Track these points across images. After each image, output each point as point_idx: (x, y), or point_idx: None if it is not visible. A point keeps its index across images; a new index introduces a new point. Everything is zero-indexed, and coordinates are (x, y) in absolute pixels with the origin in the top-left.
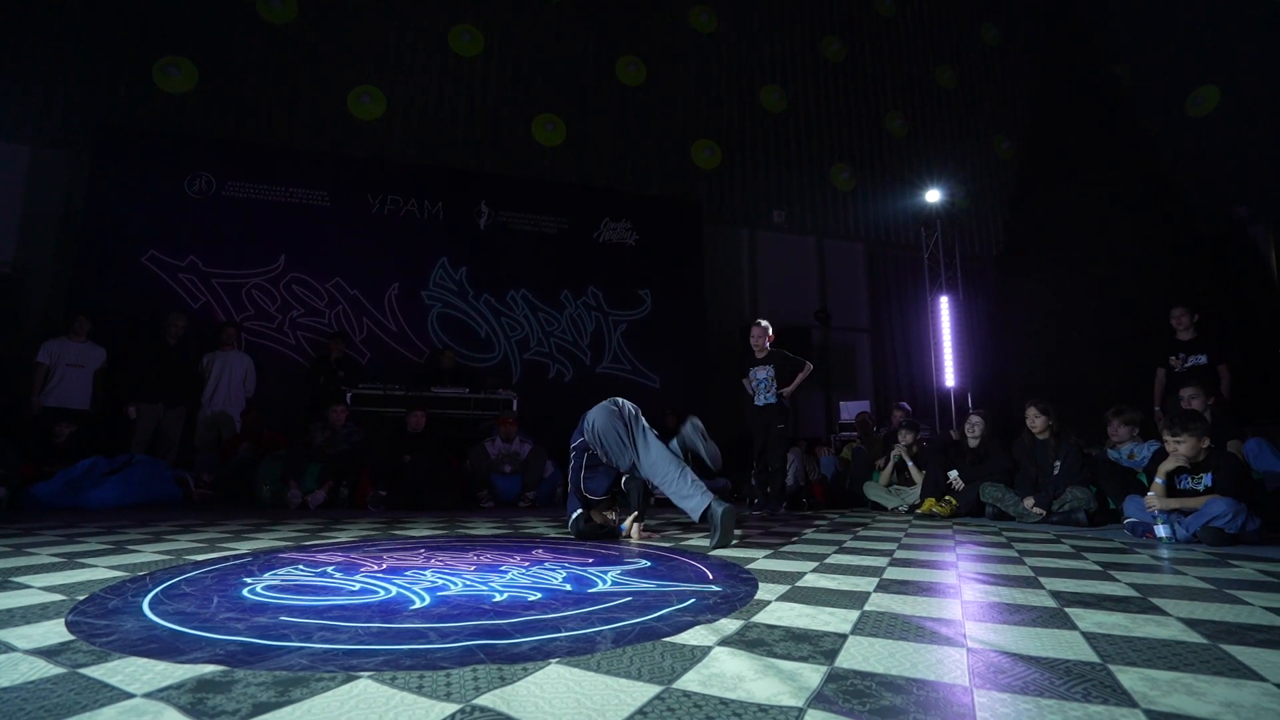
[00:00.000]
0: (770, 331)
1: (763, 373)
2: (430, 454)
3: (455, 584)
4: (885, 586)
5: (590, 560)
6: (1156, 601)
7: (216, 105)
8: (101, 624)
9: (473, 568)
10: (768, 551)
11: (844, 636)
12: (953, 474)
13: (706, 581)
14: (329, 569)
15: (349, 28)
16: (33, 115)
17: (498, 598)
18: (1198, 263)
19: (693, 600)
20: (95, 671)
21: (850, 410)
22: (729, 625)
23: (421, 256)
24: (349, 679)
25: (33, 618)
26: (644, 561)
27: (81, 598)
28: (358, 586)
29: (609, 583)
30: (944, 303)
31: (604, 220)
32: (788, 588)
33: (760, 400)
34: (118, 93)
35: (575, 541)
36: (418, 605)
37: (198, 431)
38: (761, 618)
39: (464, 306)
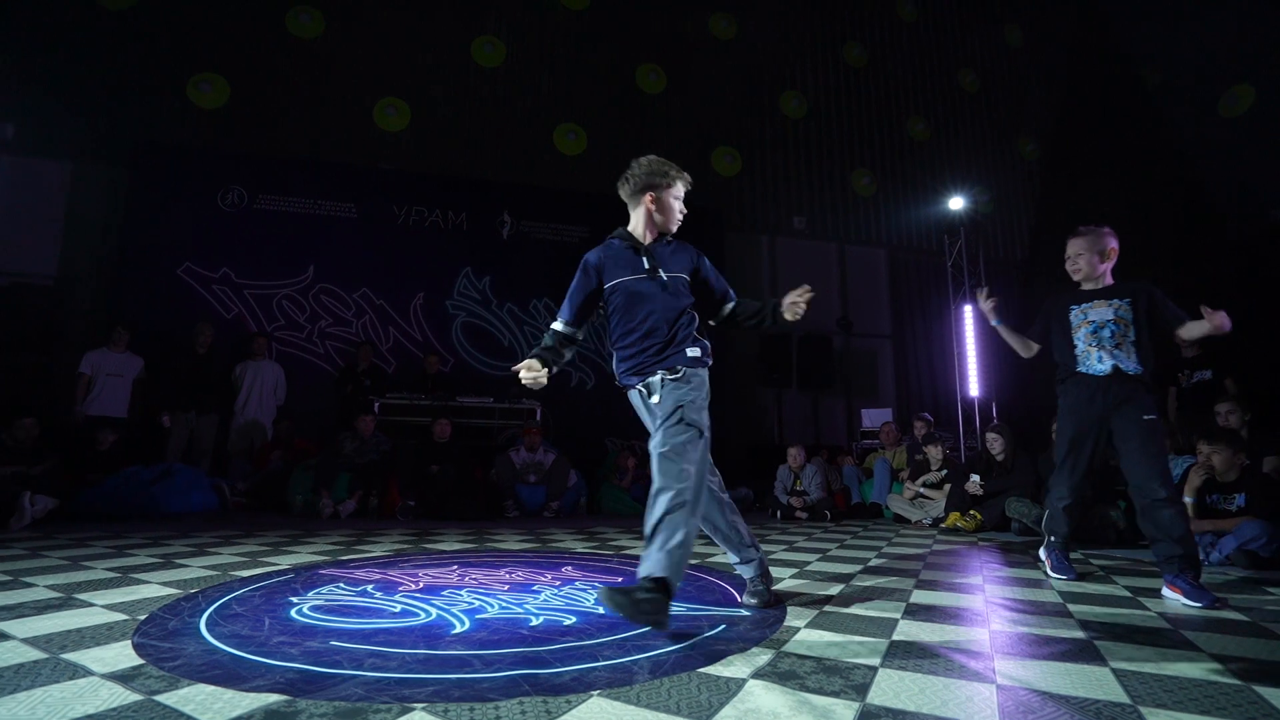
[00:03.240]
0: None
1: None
2: (456, 464)
3: (491, 605)
4: (912, 612)
5: (620, 579)
6: (1188, 634)
7: (248, 120)
8: (166, 647)
9: (506, 587)
10: (793, 570)
11: (874, 669)
12: (974, 478)
13: (735, 604)
14: (368, 587)
15: (374, 41)
16: (73, 132)
17: (534, 621)
18: (1230, 268)
19: (724, 626)
20: (169, 699)
21: (872, 418)
22: (761, 655)
23: (445, 266)
24: (404, 711)
25: (101, 639)
26: None
27: (142, 617)
28: (399, 608)
29: None
30: (968, 310)
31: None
32: (816, 613)
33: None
34: (154, 109)
35: (602, 558)
36: (458, 630)
37: (231, 439)
38: (792, 647)
39: (487, 315)
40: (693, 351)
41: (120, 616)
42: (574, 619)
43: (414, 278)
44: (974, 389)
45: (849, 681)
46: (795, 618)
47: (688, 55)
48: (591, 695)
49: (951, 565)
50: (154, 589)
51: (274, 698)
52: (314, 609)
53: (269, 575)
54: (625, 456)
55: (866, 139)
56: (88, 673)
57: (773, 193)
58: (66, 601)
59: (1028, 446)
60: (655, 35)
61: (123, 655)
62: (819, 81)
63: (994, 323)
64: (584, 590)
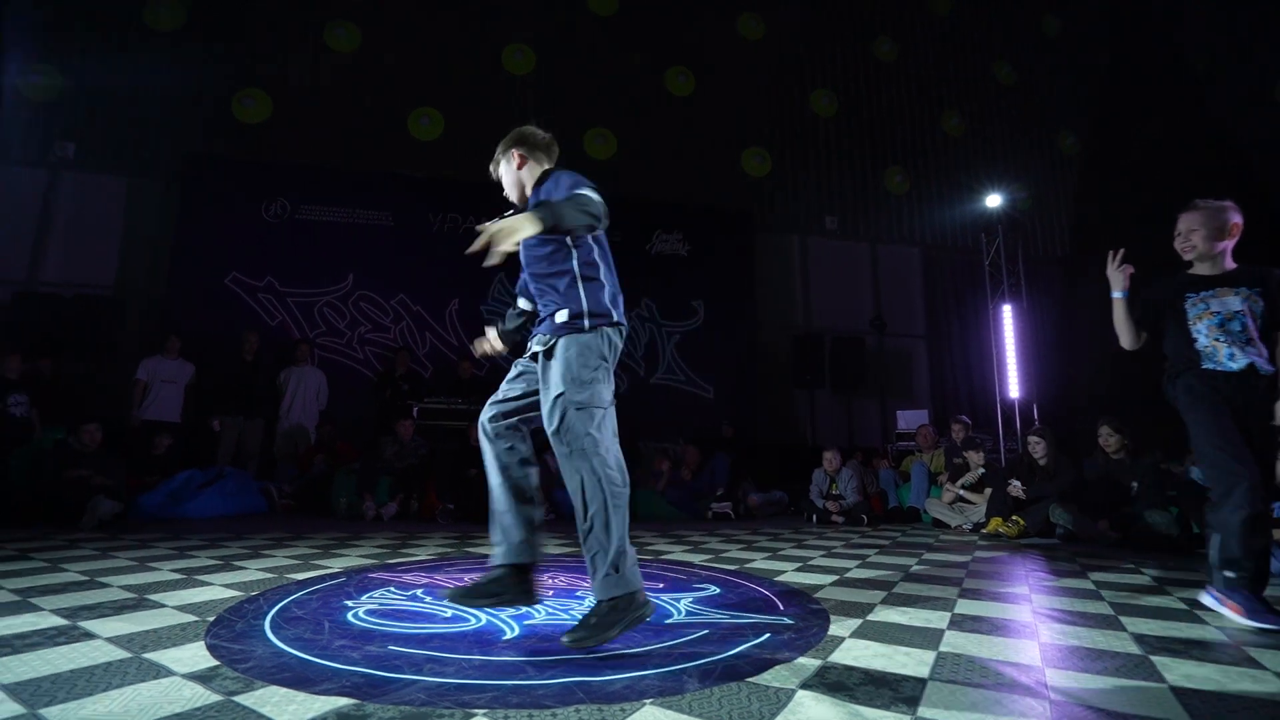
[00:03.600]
0: None
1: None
2: None
3: (538, 612)
4: (958, 623)
5: (660, 585)
6: (1251, 651)
7: (289, 133)
8: (237, 649)
9: (550, 593)
10: (834, 578)
11: (923, 682)
12: (1014, 482)
13: (777, 612)
14: (418, 591)
15: (408, 53)
16: (128, 149)
17: None
18: None
19: (768, 635)
20: (247, 700)
21: (908, 420)
22: (808, 665)
23: (480, 272)
24: (466, 716)
25: (176, 639)
26: (712, 588)
27: (211, 619)
28: (449, 613)
29: (683, 612)
30: (1006, 310)
31: (656, 232)
32: (860, 622)
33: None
34: (201, 125)
35: (641, 562)
36: (509, 636)
37: (276, 443)
38: (838, 657)
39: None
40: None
41: (191, 618)
42: None
43: (449, 284)
44: (1014, 390)
45: (898, 694)
46: (839, 627)
47: (716, 56)
48: (645, 704)
49: (996, 573)
50: (217, 591)
51: (343, 701)
52: (369, 613)
53: (322, 578)
54: (659, 460)
55: (899, 136)
56: (170, 673)
57: (804, 192)
58: (140, 602)
59: (1070, 451)
60: (683, 37)
61: (199, 656)
62: (849, 78)
63: (1116, 294)
64: None
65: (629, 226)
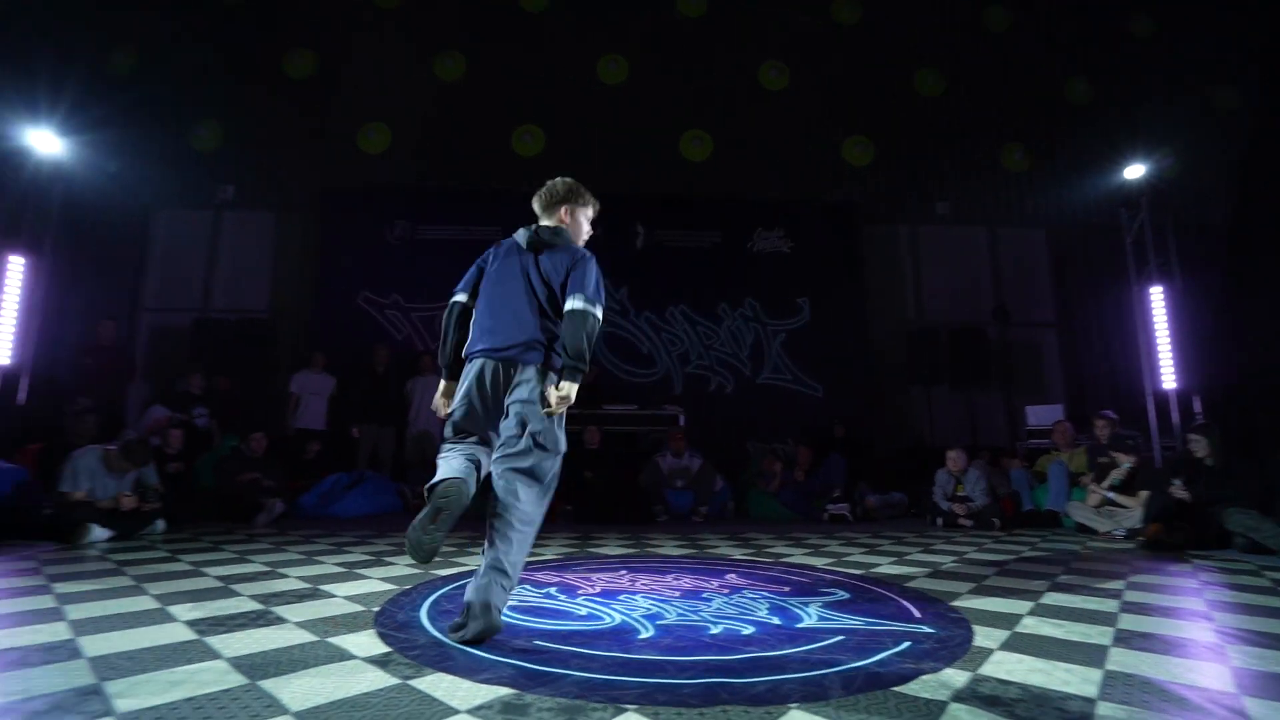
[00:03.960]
0: None
1: None
2: (608, 470)
3: (669, 612)
4: (1125, 640)
5: (787, 589)
6: None
7: (407, 160)
8: (403, 637)
9: (677, 594)
10: (970, 585)
11: (1091, 702)
12: (1176, 482)
13: (913, 620)
14: (552, 589)
15: (508, 74)
16: (275, 187)
17: (713, 630)
18: None
19: (908, 644)
20: (421, 684)
21: (1040, 416)
22: (956, 677)
23: None
24: (618, 711)
25: (351, 626)
26: (840, 592)
27: (375, 609)
28: (584, 612)
29: (815, 617)
30: (1155, 292)
31: (757, 230)
32: (1007, 633)
33: None
34: (332, 159)
35: (763, 565)
36: (644, 635)
37: (406, 448)
38: (990, 670)
39: (626, 325)
40: None
41: (359, 607)
42: (752, 629)
43: None
44: (1168, 381)
45: (1065, 714)
46: (984, 638)
47: (810, 47)
48: (789, 708)
49: (1163, 586)
50: (375, 584)
51: (504, 690)
52: (511, 609)
53: (464, 575)
54: (770, 461)
55: (1016, 109)
56: (351, 656)
57: (911, 179)
58: (315, 592)
59: (1246, 449)
60: (774, 31)
61: (373, 642)
62: (957, 53)
63: None
64: (753, 599)
65: (729, 226)
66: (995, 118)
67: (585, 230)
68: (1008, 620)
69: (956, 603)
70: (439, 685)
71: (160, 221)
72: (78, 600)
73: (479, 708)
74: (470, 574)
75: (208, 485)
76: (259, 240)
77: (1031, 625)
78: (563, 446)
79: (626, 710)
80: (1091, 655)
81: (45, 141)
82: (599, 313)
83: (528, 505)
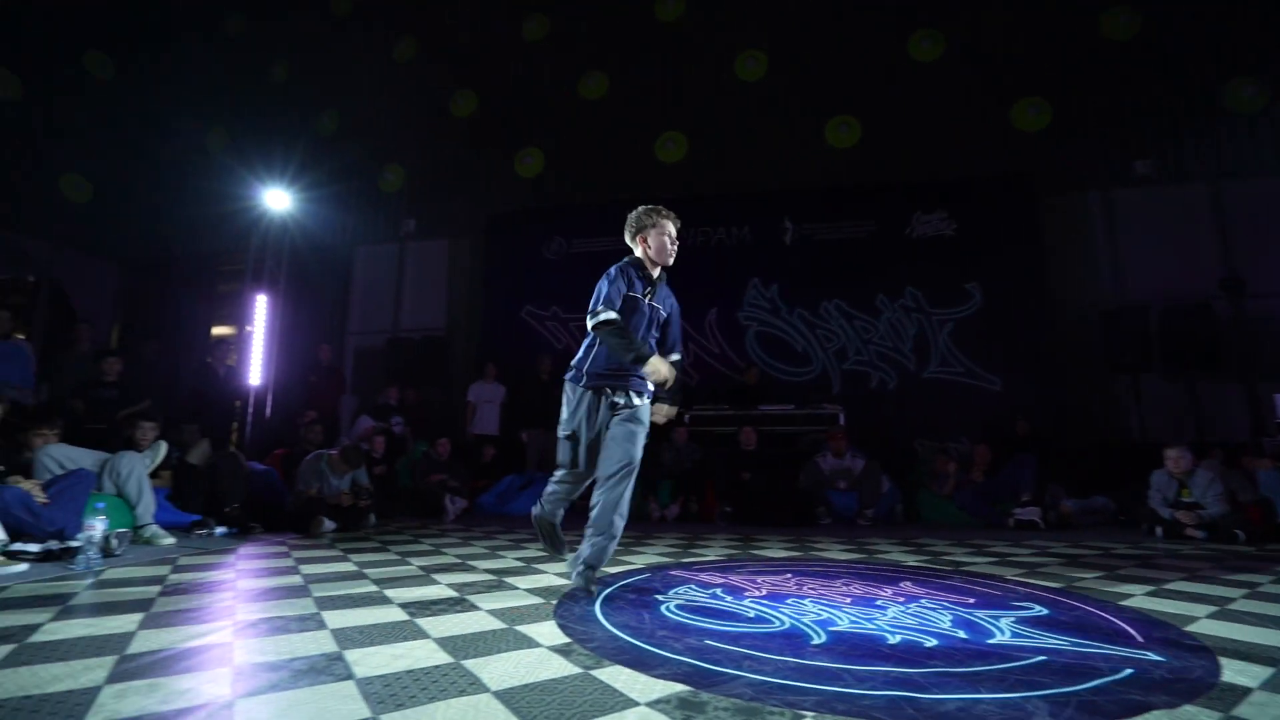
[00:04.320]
0: None
1: None
2: (766, 471)
3: (840, 619)
4: None
5: (971, 600)
6: None
7: (559, 179)
8: (581, 630)
9: (848, 600)
10: (1210, 609)
11: None
12: None
13: (1135, 644)
14: (717, 590)
15: (649, 86)
16: (445, 216)
17: (891, 640)
18: None
19: (1130, 671)
20: (601, 675)
21: None
22: (1200, 716)
23: (734, 280)
24: (797, 716)
25: (534, 617)
26: (1037, 607)
27: (554, 602)
28: (752, 614)
29: (1007, 633)
30: None
31: (914, 215)
32: (1270, 671)
33: None
34: (494, 186)
35: (940, 573)
36: (817, 641)
37: None
38: (1248, 712)
39: (778, 323)
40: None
41: (539, 600)
42: (935, 642)
43: (706, 295)
44: None
45: None
46: (1237, 674)
47: (963, 9)
48: None
49: None
50: (551, 579)
51: (679, 687)
52: (679, 608)
53: (630, 573)
54: (944, 461)
55: (1242, 39)
56: (536, 644)
57: (1099, 138)
58: (500, 584)
59: None
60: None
61: (554, 633)
62: None
63: None
64: (934, 610)
65: (883, 213)
66: (1214, 50)
67: (667, 248)
68: (1269, 655)
69: (1192, 628)
70: (618, 677)
71: (359, 256)
72: (318, 581)
73: (657, 701)
74: (636, 573)
75: (405, 485)
76: (435, 266)
77: None
78: (564, 428)
79: (805, 716)
80: None
81: (278, 199)
82: (594, 320)
83: None
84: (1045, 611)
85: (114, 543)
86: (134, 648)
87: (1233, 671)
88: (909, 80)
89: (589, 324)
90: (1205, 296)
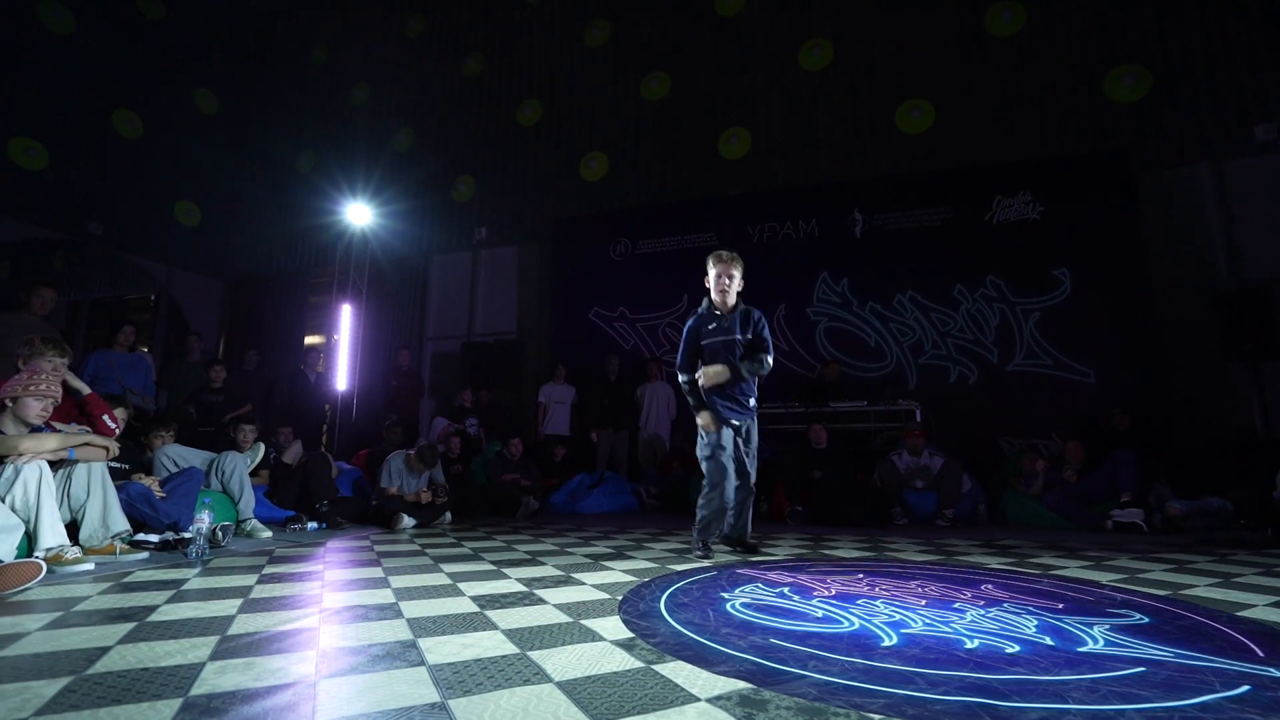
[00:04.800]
0: None
1: None
2: (838, 469)
3: (914, 621)
4: None
5: (1060, 606)
6: None
7: (623, 181)
8: (644, 625)
9: (923, 602)
10: None
11: None
12: None
13: (1255, 659)
14: (785, 589)
15: (713, 82)
16: (515, 223)
17: (969, 644)
18: None
19: (1247, 688)
20: (662, 670)
21: None
22: None
23: (803, 275)
24: (861, 719)
25: (599, 612)
26: (1137, 615)
27: (619, 597)
28: (820, 614)
29: (1101, 641)
30: None
31: (995, 199)
32: None
33: None
34: (560, 192)
35: (1027, 577)
36: (887, 643)
37: (639, 450)
38: None
39: (849, 317)
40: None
41: (605, 595)
42: (1018, 648)
43: (774, 290)
44: None
45: None
46: None
47: None
48: None
49: None
50: (618, 575)
51: (741, 684)
52: (744, 606)
53: (697, 570)
54: (1032, 459)
55: None
56: (600, 638)
57: (1209, 104)
58: (567, 580)
59: None
60: None
61: (618, 628)
62: None
63: None
64: (1017, 614)
65: (960, 199)
66: None
67: (716, 287)
68: None
69: None
70: (679, 673)
71: (435, 265)
72: (397, 573)
73: (718, 698)
74: (703, 571)
75: (480, 484)
76: (506, 271)
77: None
78: (703, 451)
79: (871, 719)
80: None
81: (359, 214)
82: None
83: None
84: (1146, 620)
85: (220, 535)
86: (234, 629)
87: None
88: (986, 57)
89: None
90: None
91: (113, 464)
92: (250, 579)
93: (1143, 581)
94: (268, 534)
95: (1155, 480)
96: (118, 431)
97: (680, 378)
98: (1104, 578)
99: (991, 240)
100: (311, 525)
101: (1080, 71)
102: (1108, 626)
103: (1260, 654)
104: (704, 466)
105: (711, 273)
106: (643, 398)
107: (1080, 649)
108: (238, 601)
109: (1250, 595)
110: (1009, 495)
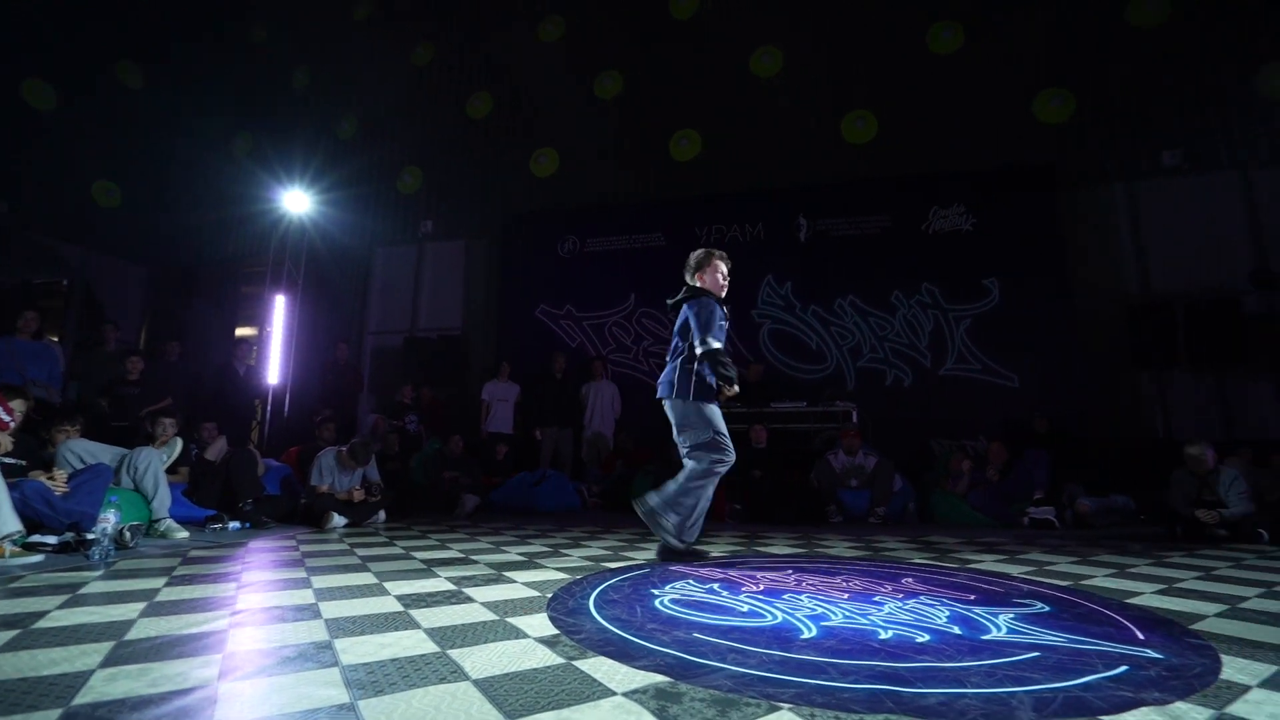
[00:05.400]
0: None
1: None
2: (776, 469)
3: (834, 614)
4: None
5: (972, 597)
6: None
7: (573, 179)
8: (571, 621)
9: (846, 595)
10: (1221, 607)
11: None
12: None
13: (1135, 641)
14: (715, 585)
15: (664, 84)
16: (462, 217)
17: (883, 635)
18: None
19: (1125, 668)
20: (583, 665)
21: None
22: (1192, 713)
23: (748, 277)
24: (772, 708)
25: (526, 609)
26: (1039, 604)
27: (549, 595)
28: (745, 608)
29: (1004, 629)
30: None
31: (931, 209)
32: (1273, 669)
33: None
34: (508, 188)
35: (945, 570)
36: (806, 636)
37: (583, 449)
38: (1243, 710)
39: (792, 320)
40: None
41: (535, 593)
42: (927, 637)
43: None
44: None
45: None
46: (1237, 671)
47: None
48: None
49: None
50: (551, 573)
51: (659, 678)
52: (673, 602)
53: (630, 569)
54: (959, 459)
55: (1276, 21)
56: (524, 635)
57: (1126, 128)
58: (498, 578)
59: None
60: None
61: (544, 625)
62: None
63: None
64: (931, 605)
65: (899, 208)
66: (1248, 35)
67: (719, 283)
68: (1274, 653)
69: (1198, 626)
70: (599, 668)
71: (378, 257)
72: (321, 573)
73: (634, 691)
74: (636, 568)
75: (418, 482)
76: (452, 265)
77: None
78: (706, 435)
79: (781, 709)
80: None
81: (297, 201)
82: (705, 348)
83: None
84: (1047, 609)
85: (128, 535)
86: (132, 634)
87: (1233, 669)
88: (927, 73)
89: (699, 349)
90: (1234, 289)
91: (6, 459)
92: (158, 581)
93: (1049, 573)
94: (184, 534)
95: (1069, 479)
96: (13, 425)
97: (723, 355)
98: (1015, 570)
99: (928, 249)
100: (234, 525)
101: (1013, 91)
102: (1012, 615)
103: (1140, 637)
104: (719, 440)
105: (724, 268)
106: (587, 396)
107: (984, 636)
108: (141, 605)
109: (1140, 584)
110: (937, 494)
